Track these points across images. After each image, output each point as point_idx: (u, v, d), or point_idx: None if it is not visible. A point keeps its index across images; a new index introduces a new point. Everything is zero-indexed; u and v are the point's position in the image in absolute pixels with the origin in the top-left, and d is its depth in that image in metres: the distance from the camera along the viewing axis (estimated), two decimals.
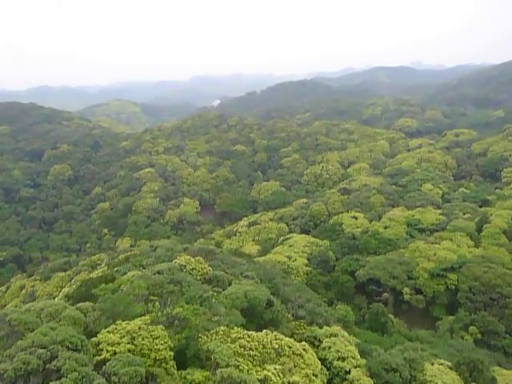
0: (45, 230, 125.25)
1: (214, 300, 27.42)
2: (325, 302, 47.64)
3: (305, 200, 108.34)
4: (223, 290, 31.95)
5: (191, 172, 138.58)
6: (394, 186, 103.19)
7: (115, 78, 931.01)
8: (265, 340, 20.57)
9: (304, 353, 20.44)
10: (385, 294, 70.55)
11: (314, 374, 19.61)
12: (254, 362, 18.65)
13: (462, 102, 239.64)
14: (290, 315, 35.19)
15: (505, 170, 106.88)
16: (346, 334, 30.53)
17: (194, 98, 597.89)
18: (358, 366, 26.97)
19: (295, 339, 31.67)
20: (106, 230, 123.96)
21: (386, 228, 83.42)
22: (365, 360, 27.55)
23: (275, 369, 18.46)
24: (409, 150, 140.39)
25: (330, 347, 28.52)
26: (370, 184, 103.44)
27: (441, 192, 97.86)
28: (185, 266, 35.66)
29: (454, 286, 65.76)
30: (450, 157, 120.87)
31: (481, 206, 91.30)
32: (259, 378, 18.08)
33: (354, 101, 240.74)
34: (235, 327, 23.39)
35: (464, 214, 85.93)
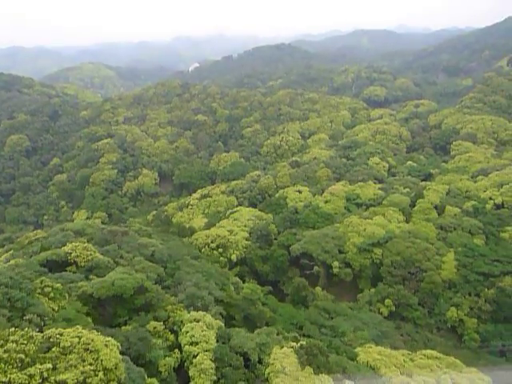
0: (1, 202, 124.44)
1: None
2: (233, 283, 49.38)
3: (258, 172, 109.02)
4: (98, 278, 33.18)
5: (151, 143, 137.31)
6: (343, 159, 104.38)
7: (94, 39, 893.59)
8: (51, 339, 21.77)
9: (103, 348, 21.78)
10: (316, 268, 73.36)
11: (96, 370, 21.00)
12: (15, 365, 19.75)
13: (436, 69, 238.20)
14: (173, 298, 36.82)
15: (454, 143, 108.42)
16: (209, 318, 32.23)
17: (174, 60, 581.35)
18: (208, 351, 28.83)
19: (166, 324, 33.50)
20: (63, 202, 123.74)
21: (326, 202, 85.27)
22: (215, 344, 29.38)
23: (39, 369, 19.70)
24: (370, 121, 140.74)
25: (187, 332, 30.29)
26: (320, 157, 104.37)
27: (387, 166, 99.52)
28: (70, 254, 36.66)
29: (378, 260, 68.64)
30: (405, 129, 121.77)
31: (424, 180, 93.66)
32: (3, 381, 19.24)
33: (326, 68, 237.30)
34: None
35: (404, 188, 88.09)
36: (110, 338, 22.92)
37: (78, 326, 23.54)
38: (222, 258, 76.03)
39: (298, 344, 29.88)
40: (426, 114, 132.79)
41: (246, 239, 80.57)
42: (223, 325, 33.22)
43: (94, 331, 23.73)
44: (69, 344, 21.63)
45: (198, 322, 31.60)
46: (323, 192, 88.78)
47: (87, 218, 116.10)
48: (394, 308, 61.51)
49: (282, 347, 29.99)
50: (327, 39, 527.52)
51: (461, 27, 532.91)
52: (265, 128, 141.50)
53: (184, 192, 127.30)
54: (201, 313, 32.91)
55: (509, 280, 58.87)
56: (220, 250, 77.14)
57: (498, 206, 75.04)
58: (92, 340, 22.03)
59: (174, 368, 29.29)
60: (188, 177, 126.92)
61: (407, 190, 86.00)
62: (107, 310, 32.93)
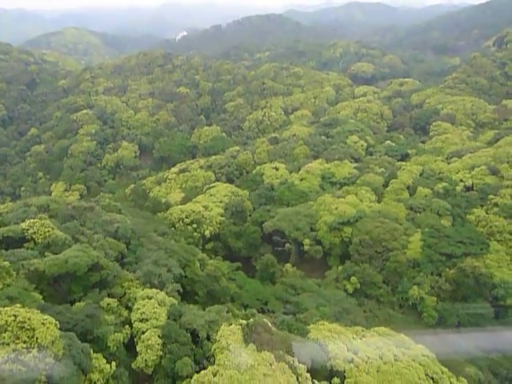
0: None
1: None
2: (199, 260, 50.15)
3: (237, 148, 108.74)
4: (54, 255, 33.46)
5: (131, 114, 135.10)
6: (323, 137, 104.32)
7: (79, 2, 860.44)
8: None
9: (40, 326, 22.31)
10: (287, 245, 74.68)
11: (30, 348, 21.64)
12: None
13: (425, 47, 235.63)
14: (130, 275, 37.41)
15: (433, 123, 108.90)
16: (162, 295, 32.95)
17: (162, 28, 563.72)
18: (156, 327, 29.67)
19: (121, 301, 34.17)
20: (41, 174, 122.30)
21: (301, 180, 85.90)
22: (165, 321, 30.21)
23: None
24: (354, 98, 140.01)
25: (138, 309, 31.04)
26: (299, 134, 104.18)
27: (365, 144, 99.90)
28: (27, 230, 36.71)
29: (348, 239, 70.04)
30: (386, 107, 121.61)
31: (401, 160, 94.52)
32: None
33: (315, 42, 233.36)
34: None
35: (380, 168, 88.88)
36: (47, 316, 23.40)
37: (17, 305, 23.97)
38: (195, 234, 76.70)
39: (245, 322, 30.86)
40: (409, 93, 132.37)
41: (221, 215, 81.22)
42: (176, 302, 34.01)
43: (34, 309, 24.19)
44: (3, 322, 22.07)
45: (150, 299, 32.32)
46: (300, 169, 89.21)
47: (65, 191, 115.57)
48: (358, 285, 63.23)
49: (231, 324, 30.95)
50: (320, 11, 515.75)
51: (455, 2, 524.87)
52: (248, 102, 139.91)
53: (164, 166, 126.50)
54: (154, 290, 33.62)
55: (469, 261, 60.72)
56: (194, 225, 77.67)
57: (468, 188, 76.38)
58: (28, 318, 22.49)
59: (124, 344, 30.11)
60: (168, 150, 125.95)
61: (382, 169, 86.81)
62: (61, 287, 33.38)
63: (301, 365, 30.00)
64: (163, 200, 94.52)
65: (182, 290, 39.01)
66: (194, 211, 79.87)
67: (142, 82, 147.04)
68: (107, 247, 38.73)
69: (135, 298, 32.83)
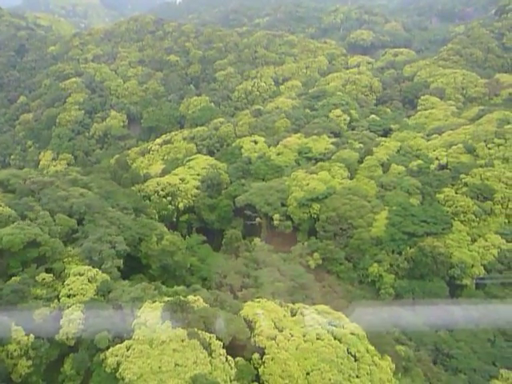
0: None
1: None
2: (156, 234, 51.62)
3: (221, 119, 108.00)
4: None
5: (120, 83, 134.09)
6: (307, 110, 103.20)
7: None
8: None
9: None
10: (258, 219, 75.99)
11: None
12: None
13: (431, 12, 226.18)
14: (73, 251, 38.99)
15: (422, 97, 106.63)
16: (93, 272, 34.57)
17: None
18: (81, 302, 31.42)
19: (60, 276, 35.88)
20: (30, 142, 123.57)
21: (278, 155, 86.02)
22: (91, 297, 31.93)
23: None
24: (347, 69, 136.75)
25: (68, 285, 32.76)
26: (282, 107, 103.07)
27: (348, 119, 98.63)
28: None
29: (316, 215, 70.92)
30: (377, 80, 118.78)
31: (383, 136, 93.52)
32: None
33: (316, 6, 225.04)
34: None
35: (359, 143, 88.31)
36: None
37: None
38: (169, 206, 78.25)
39: (166, 300, 32.41)
40: (403, 64, 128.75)
41: (197, 188, 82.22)
42: (108, 278, 35.58)
43: None
44: None
45: (81, 275, 33.92)
46: (278, 144, 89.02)
47: (53, 159, 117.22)
48: (321, 261, 64.70)
49: (154, 302, 32.55)
50: None
51: None
52: (238, 72, 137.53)
53: (152, 136, 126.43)
54: (86, 267, 35.25)
55: (429, 240, 61.56)
56: (169, 198, 79.08)
57: (442, 167, 75.86)
58: None
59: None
60: (156, 120, 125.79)
61: (361, 145, 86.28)
62: (1, 263, 35.09)
63: (217, 341, 31.58)
64: (144, 171, 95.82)
65: (122, 265, 40.59)
66: (170, 184, 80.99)
67: (132, 49, 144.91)
68: (52, 224, 40.11)
69: (69, 274, 34.50)
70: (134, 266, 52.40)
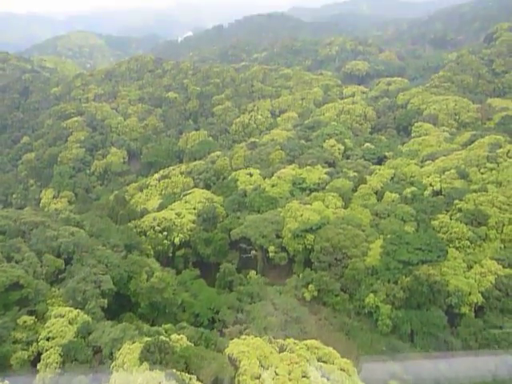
0: None
1: None
2: (147, 271, 51.50)
3: (218, 153, 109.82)
4: None
5: (121, 121, 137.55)
6: (302, 141, 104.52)
7: (89, 3, 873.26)
8: None
9: None
10: (253, 252, 75.58)
11: None
12: None
13: (424, 41, 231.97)
14: (57, 292, 38.96)
15: (415, 124, 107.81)
16: (74, 313, 34.47)
17: (170, 28, 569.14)
18: (60, 345, 31.17)
19: (42, 318, 35.70)
20: (32, 181, 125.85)
21: (273, 186, 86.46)
22: (71, 339, 31.67)
23: None
24: (342, 98, 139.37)
25: (48, 327, 32.63)
26: (277, 139, 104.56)
27: (343, 148, 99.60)
28: None
29: (310, 246, 70.46)
30: (371, 108, 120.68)
31: (378, 163, 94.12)
32: None
33: (311, 39, 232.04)
34: None
35: (354, 172, 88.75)
36: None
37: None
38: (165, 241, 78.34)
39: (145, 340, 32.05)
40: (396, 92, 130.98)
41: (193, 222, 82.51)
42: (90, 319, 35.42)
43: None
44: None
45: (62, 317, 33.83)
46: (273, 175, 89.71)
47: (54, 197, 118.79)
48: (316, 293, 63.76)
49: (134, 342, 32.21)
50: (324, 6, 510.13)
51: None
52: (236, 105, 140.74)
53: (152, 171, 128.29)
54: (67, 308, 35.20)
55: (424, 268, 60.55)
56: (165, 233, 79.30)
57: (436, 193, 75.87)
58: None
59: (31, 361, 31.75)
60: (155, 155, 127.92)
61: (355, 174, 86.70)
62: None
63: (197, 382, 31.00)
64: (142, 207, 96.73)
65: (107, 304, 40.41)
66: (165, 218, 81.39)
67: (133, 87, 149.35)
68: (38, 265, 40.39)
69: (50, 316, 34.42)
70: (124, 304, 52.16)
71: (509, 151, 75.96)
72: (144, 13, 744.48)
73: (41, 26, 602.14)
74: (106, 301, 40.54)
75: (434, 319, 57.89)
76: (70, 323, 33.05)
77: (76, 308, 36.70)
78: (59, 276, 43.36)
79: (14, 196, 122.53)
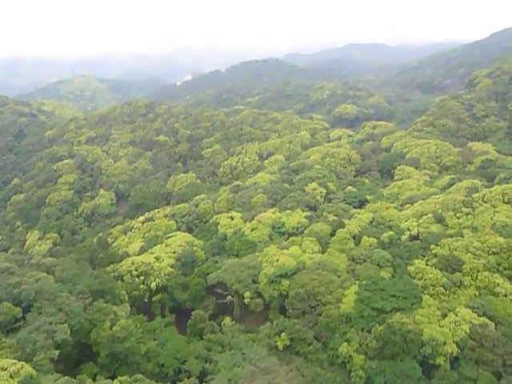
0: None
1: None
2: (111, 319, 50.64)
3: (202, 196, 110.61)
4: None
5: (111, 163, 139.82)
6: (285, 184, 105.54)
7: (96, 48, 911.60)
8: None
9: None
10: (229, 297, 74.40)
11: None
12: None
13: (413, 85, 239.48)
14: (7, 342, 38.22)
15: (398, 167, 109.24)
16: (17, 366, 33.64)
17: (171, 72, 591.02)
18: None
19: None
20: (19, 223, 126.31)
21: (252, 230, 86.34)
22: None
23: None
24: (329, 142, 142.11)
25: None
26: (260, 182, 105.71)
27: (325, 191, 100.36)
28: None
29: (286, 292, 69.44)
30: (355, 152, 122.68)
31: (359, 207, 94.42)
32: None
33: (303, 84, 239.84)
34: None
35: (334, 215, 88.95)
36: None
37: None
38: (142, 286, 77.40)
39: None
40: (381, 135, 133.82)
41: (171, 266, 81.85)
42: (34, 372, 34.51)
43: None
44: None
45: (4, 370, 33.01)
46: (253, 219, 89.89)
47: (39, 239, 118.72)
48: (288, 342, 62.13)
49: None
50: (320, 52, 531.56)
51: (457, 39, 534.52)
52: (224, 149, 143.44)
53: (139, 213, 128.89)
54: (10, 361, 34.35)
55: (398, 317, 59.28)
56: (142, 277, 78.52)
57: (414, 238, 75.66)
58: None
59: None
60: (143, 198, 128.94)
61: (334, 218, 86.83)
62: None
63: None
64: (123, 250, 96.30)
65: (56, 357, 39.48)
66: (144, 263, 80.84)
67: (125, 131, 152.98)
68: None
69: None
70: (87, 353, 50.98)
71: (484, 196, 76.43)
72: (148, 57, 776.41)
73: (48, 69, 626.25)
74: (57, 352, 39.58)
75: (408, 371, 55.98)
76: (11, 377, 32.16)
77: (24, 360, 35.84)
78: (14, 325, 42.67)
79: (0, 237, 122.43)
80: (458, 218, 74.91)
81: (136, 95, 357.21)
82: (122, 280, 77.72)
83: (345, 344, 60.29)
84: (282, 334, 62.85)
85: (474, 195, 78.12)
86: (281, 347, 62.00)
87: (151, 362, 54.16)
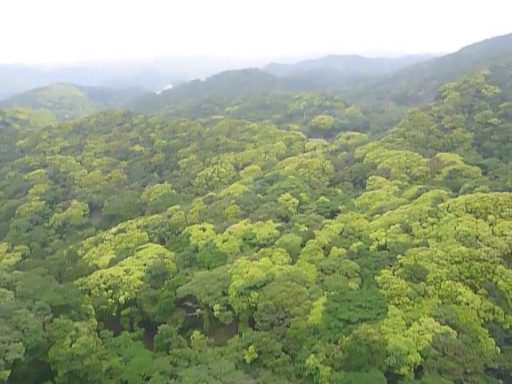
0: None
1: None
2: (71, 336, 49.55)
3: (176, 207, 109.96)
4: None
5: (85, 173, 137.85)
6: (259, 195, 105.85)
7: (78, 56, 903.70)
8: None
9: None
10: (198, 310, 73.79)
11: None
12: None
13: (389, 96, 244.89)
14: None
15: (369, 177, 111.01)
16: None
17: (152, 80, 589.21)
18: None
19: None
20: None
21: (223, 242, 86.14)
22: None
23: None
24: (304, 152, 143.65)
25: None
26: (233, 193, 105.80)
27: (297, 202, 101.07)
28: None
29: (254, 304, 69.28)
30: (329, 162, 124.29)
31: (331, 217, 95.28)
32: None
33: (282, 95, 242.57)
34: None
35: (305, 226, 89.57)
36: None
37: None
38: (110, 300, 76.04)
39: None
40: (354, 146, 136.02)
41: (141, 279, 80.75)
42: None
43: None
44: None
45: None
46: (225, 230, 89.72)
47: (7, 251, 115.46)
48: (256, 355, 61.83)
49: None
50: (300, 63, 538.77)
51: (432, 52, 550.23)
52: (200, 159, 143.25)
53: (113, 224, 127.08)
54: None
55: (364, 327, 59.72)
56: (110, 291, 77.18)
57: (381, 248, 76.68)
58: None
59: None
60: (116, 208, 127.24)
61: (306, 228, 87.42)
62: None
63: None
64: (93, 262, 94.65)
65: (6, 378, 38.36)
66: (112, 276, 79.53)
67: (100, 140, 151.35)
68: None
69: None
70: (45, 372, 49.66)
71: (449, 206, 78.27)
72: (130, 65, 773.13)
73: (28, 76, 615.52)
74: (8, 373, 38.43)
75: (374, 382, 56.27)
76: None
77: None
78: None
79: None
80: (424, 227, 76.35)
81: (116, 103, 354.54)
82: (90, 294, 76.25)
83: (312, 356, 60.32)
84: (250, 347, 62.48)
85: (440, 205, 79.96)
86: (249, 360, 61.61)
87: (113, 380, 53.11)
